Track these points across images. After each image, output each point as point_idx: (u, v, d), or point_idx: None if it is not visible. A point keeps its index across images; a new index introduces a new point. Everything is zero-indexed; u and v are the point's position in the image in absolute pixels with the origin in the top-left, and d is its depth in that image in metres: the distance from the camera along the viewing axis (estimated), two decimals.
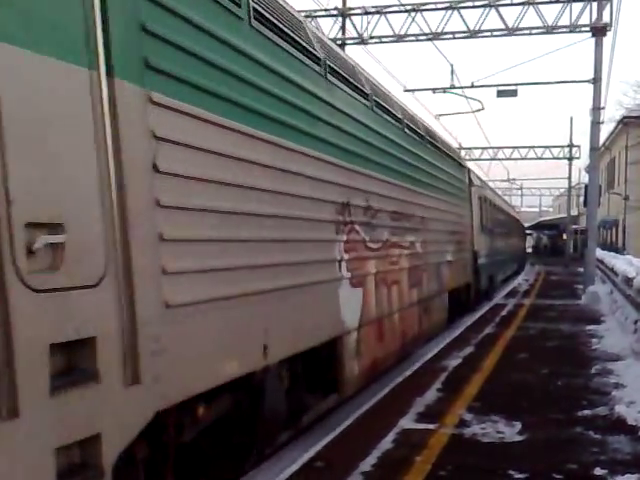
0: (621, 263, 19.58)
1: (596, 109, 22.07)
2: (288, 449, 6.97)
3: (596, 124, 22.31)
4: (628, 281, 15.43)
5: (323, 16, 24.56)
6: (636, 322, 12.82)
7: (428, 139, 12.80)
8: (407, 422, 7.55)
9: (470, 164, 38.00)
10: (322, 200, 6.85)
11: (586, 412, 7.96)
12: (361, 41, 24.07)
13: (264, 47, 5.65)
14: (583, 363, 11.02)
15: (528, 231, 69.58)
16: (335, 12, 24.52)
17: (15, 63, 3.02)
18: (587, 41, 21.92)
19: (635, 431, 7.16)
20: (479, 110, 31.40)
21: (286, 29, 6.24)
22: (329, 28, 24.53)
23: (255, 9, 5.53)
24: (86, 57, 3.43)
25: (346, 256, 7.61)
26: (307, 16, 24.18)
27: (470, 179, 19.03)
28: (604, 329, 14.95)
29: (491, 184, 39.89)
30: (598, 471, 5.95)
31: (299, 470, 6.00)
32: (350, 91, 8.02)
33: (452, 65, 27.99)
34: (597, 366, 10.69)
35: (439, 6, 23.19)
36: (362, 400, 8.67)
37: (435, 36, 23.43)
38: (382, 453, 6.47)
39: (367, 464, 6.15)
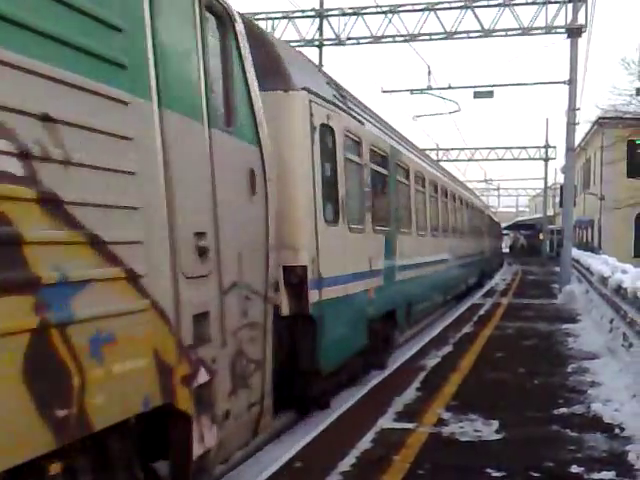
0: (597, 263, 19.78)
1: (571, 110, 22.28)
2: (267, 450, 6.96)
3: (572, 125, 22.52)
4: (603, 280, 15.60)
5: (300, 17, 24.58)
6: (611, 321, 12.97)
7: None
8: (386, 422, 7.58)
9: (448, 165, 38.23)
10: None
11: (563, 410, 8.03)
12: (338, 42, 24.13)
13: None
14: (560, 362, 11.12)
15: (505, 231, 70.03)
16: (312, 13, 24.54)
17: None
18: (563, 42, 22.17)
19: (611, 429, 7.24)
20: (456, 111, 31.68)
21: None
22: (306, 29, 24.58)
23: None
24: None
25: None
26: (284, 17, 24.21)
27: None
28: (580, 328, 15.09)
29: (469, 185, 40.02)
30: (575, 469, 6.01)
31: (278, 471, 6.00)
32: None
33: (429, 66, 28.37)
34: (573, 364, 10.79)
35: (416, 7, 23.33)
36: (342, 400, 8.69)
37: (412, 37, 23.54)
38: (361, 453, 6.49)
39: (346, 464, 6.16)
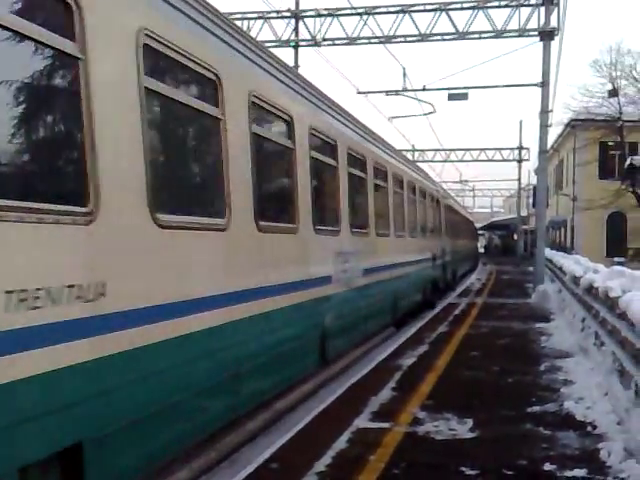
0: (569, 262, 19.96)
1: (544, 112, 22.50)
2: (242, 451, 6.96)
3: (544, 127, 22.75)
4: (576, 280, 15.76)
5: (276, 18, 24.58)
6: (584, 320, 13.11)
7: None
8: (362, 421, 7.62)
9: (423, 166, 38.12)
10: None
11: (536, 408, 8.13)
12: (314, 43, 24.14)
13: None
14: (533, 360, 11.24)
15: (480, 231, 70.51)
16: (288, 14, 24.54)
17: None
18: (535, 45, 22.39)
19: (584, 427, 7.33)
20: (431, 113, 31.78)
21: None
22: (282, 30, 24.58)
23: None
24: None
25: None
26: (260, 18, 24.18)
27: None
28: (553, 327, 15.26)
29: (444, 185, 40.19)
30: (548, 466, 6.09)
31: (254, 472, 6.00)
32: None
33: (404, 68, 28.31)
34: (546, 363, 10.92)
35: (391, 10, 23.43)
36: (318, 400, 8.72)
37: (387, 39, 23.64)
38: (337, 453, 6.51)
39: (322, 464, 6.18)
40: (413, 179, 17.54)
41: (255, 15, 24.39)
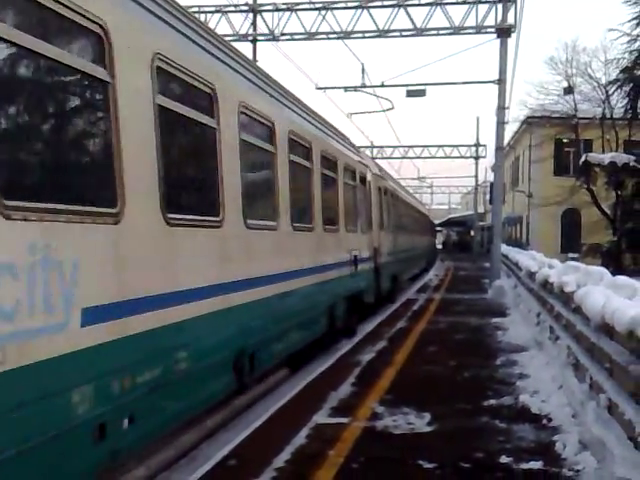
0: (525, 258, 20.25)
1: (501, 109, 22.75)
2: (201, 448, 6.90)
3: (501, 124, 23.00)
4: (531, 275, 16.00)
5: (233, 11, 24.39)
6: (539, 314, 13.31)
7: None
8: (321, 417, 7.61)
9: (382, 162, 38.15)
10: None
11: (492, 402, 8.22)
12: (272, 38, 24.04)
13: None
14: (489, 355, 11.37)
15: (438, 228, 71.09)
16: (246, 8, 24.38)
17: None
18: (493, 42, 22.60)
19: (539, 420, 7.43)
20: (389, 109, 31.92)
21: None
22: (240, 24, 24.41)
23: None
24: None
25: None
26: (217, 11, 23.97)
27: None
28: (509, 321, 15.46)
29: (402, 182, 40.40)
30: (504, 459, 6.15)
31: (212, 469, 5.96)
32: None
33: (363, 64, 28.32)
34: (502, 357, 11.05)
35: (348, 5, 23.42)
36: (277, 396, 8.69)
37: (345, 35, 23.63)
38: (296, 449, 6.50)
39: (281, 460, 6.16)
40: (311, 141, 10.65)
41: (212, 8, 24.16)
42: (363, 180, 15.76)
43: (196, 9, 23.53)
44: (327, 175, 11.75)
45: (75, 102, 4.86)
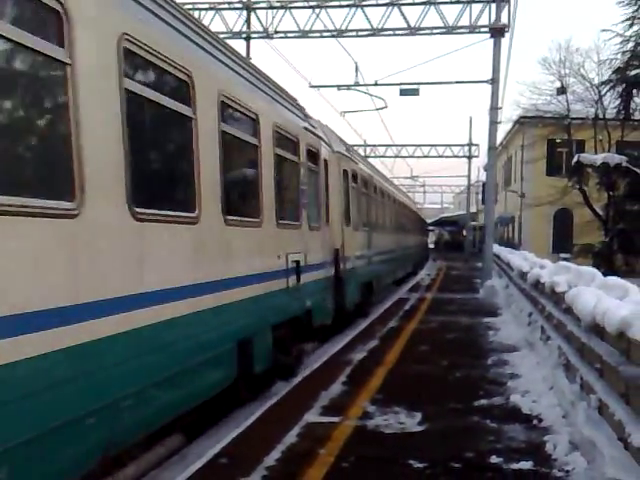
0: (516, 258, 20.30)
1: (494, 109, 22.79)
2: (192, 446, 6.89)
3: (494, 124, 23.04)
4: (523, 275, 16.03)
5: (227, 9, 24.36)
6: (530, 315, 13.34)
7: None
8: (312, 416, 7.61)
9: (375, 161, 38.07)
10: None
11: (483, 402, 8.23)
12: (266, 35, 24.01)
13: None
14: (481, 354, 11.38)
15: (430, 227, 71.11)
16: (240, 5, 24.34)
17: None
18: (486, 42, 22.64)
19: (529, 420, 7.44)
20: (383, 108, 31.89)
21: None
22: (233, 21, 24.37)
23: None
24: None
25: None
26: (211, 8, 23.93)
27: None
28: (500, 321, 15.48)
29: (395, 181, 40.37)
30: (494, 459, 6.16)
31: (203, 467, 5.95)
32: None
33: (356, 63, 28.53)
34: (494, 357, 11.06)
35: (342, 3, 23.43)
36: (268, 395, 8.68)
37: (339, 33, 23.64)
38: (287, 447, 6.50)
39: (272, 458, 6.16)
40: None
41: (206, 5, 24.14)
42: (314, 156, 11.43)
43: (190, 6, 23.48)
44: (233, 137, 7.61)
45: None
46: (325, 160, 12.41)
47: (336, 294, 12.98)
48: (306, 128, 11.04)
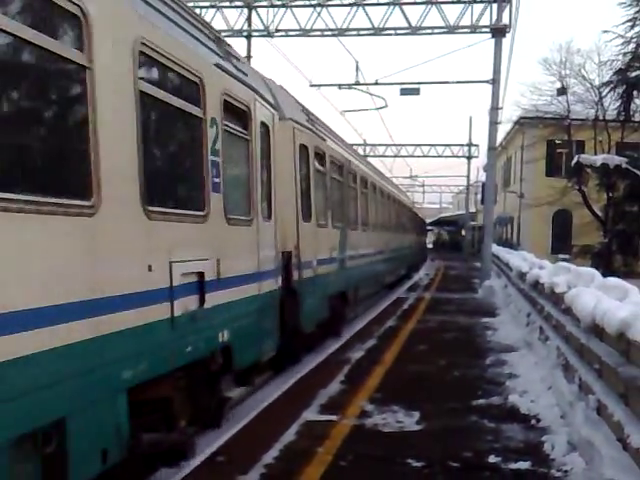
0: (515, 258, 20.31)
1: (494, 109, 22.79)
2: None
3: (494, 124, 23.04)
4: (522, 276, 16.04)
5: (228, 7, 24.34)
6: (529, 315, 13.34)
7: None
8: (310, 414, 7.60)
9: (375, 160, 37.99)
10: None
11: (481, 401, 8.23)
12: (267, 34, 24.00)
13: None
14: (479, 354, 11.38)
15: (429, 227, 71.10)
16: (241, 3, 24.32)
17: None
18: (487, 42, 22.65)
19: (528, 420, 7.44)
20: (383, 107, 31.83)
21: None
22: (234, 20, 24.36)
23: None
24: None
25: None
26: (212, 6, 23.91)
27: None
28: (499, 321, 15.48)
29: (395, 180, 40.30)
30: (492, 459, 6.16)
31: (201, 465, 5.95)
32: None
33: (357, 62, 28.46)
34: (492, 357, 11.06)
35: (344, 2, 23.40)
36: (266, 393, 8.67)
37: (340, 32, 23.63)
38: (284, 445, 6.49)
39: (269, 457, 6.15)
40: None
41: (207, 3, 24.10)
42: (241, 116, 7.87)
43: (192, 4, 23.46)
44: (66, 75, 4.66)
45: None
46: (265, 125, 8.77)
47: (286, 312, 9.68)
48: (220, 66, 7.15)
